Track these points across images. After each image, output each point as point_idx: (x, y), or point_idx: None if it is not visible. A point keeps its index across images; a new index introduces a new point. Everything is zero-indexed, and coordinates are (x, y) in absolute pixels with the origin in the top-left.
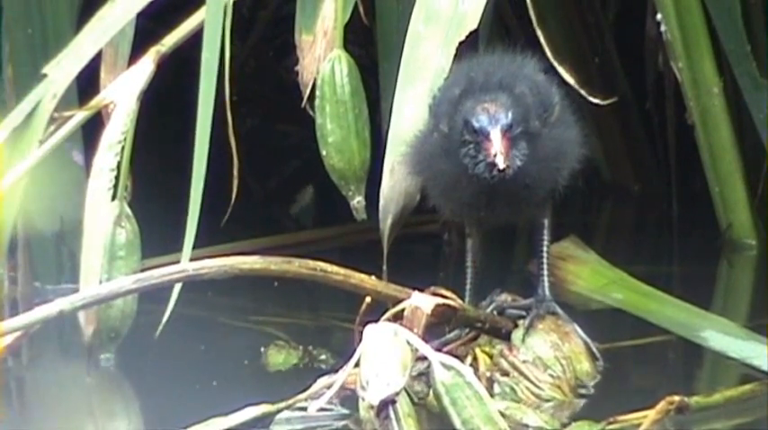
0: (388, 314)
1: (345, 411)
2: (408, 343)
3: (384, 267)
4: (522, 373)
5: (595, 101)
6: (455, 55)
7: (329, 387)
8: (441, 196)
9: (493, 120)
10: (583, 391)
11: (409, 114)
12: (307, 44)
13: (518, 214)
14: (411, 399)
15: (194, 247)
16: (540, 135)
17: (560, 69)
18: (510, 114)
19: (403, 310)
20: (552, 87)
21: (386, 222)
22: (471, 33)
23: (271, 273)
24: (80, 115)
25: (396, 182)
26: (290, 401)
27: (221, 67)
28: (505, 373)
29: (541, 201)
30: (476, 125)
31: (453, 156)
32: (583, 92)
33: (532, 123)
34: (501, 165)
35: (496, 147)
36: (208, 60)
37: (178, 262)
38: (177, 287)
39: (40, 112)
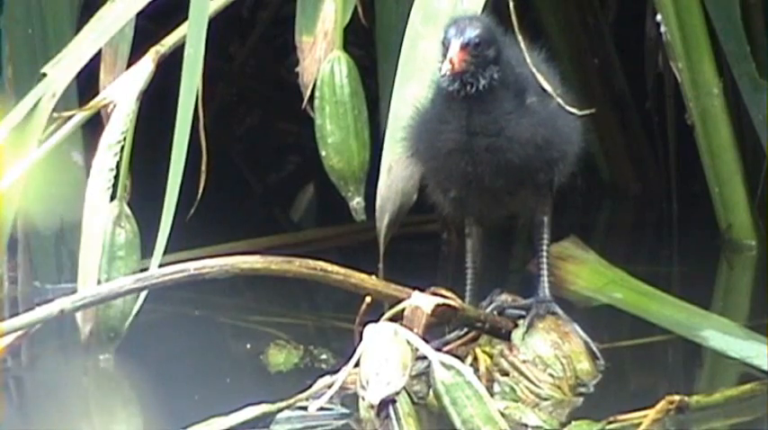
0: (388, 314)
1: (345, 411)
2: (408, 342)
3: (380, 265)
4: (521, 373)
5: (572, 110)
6: None
7: (330, 386)
8: (430, 165)
9: (459, 32)
10: (583, 391)
11: (406, 112)
12: (307, 45)
13: (512, 195)
14: (411, 399)
15: (194, 247)
16: (536, 110)
17: (539, 77)
18: (478, 32)
19: (403, 310)
20: (555, 79)
21: (382, 221)
22: None
23: (271, 272)
24: (80, 115)
25: (393, 180)
26: (291, 401)
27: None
28: (505, 373)
29: (537, 188)
30: (443, 36)
31: (438, 117)
32: (559, 100)
33: (529, 98)
34: (443, 70)
35: (450, 54)
36: (191, 56)
37: (178, 262)
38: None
39: (40, 112)
